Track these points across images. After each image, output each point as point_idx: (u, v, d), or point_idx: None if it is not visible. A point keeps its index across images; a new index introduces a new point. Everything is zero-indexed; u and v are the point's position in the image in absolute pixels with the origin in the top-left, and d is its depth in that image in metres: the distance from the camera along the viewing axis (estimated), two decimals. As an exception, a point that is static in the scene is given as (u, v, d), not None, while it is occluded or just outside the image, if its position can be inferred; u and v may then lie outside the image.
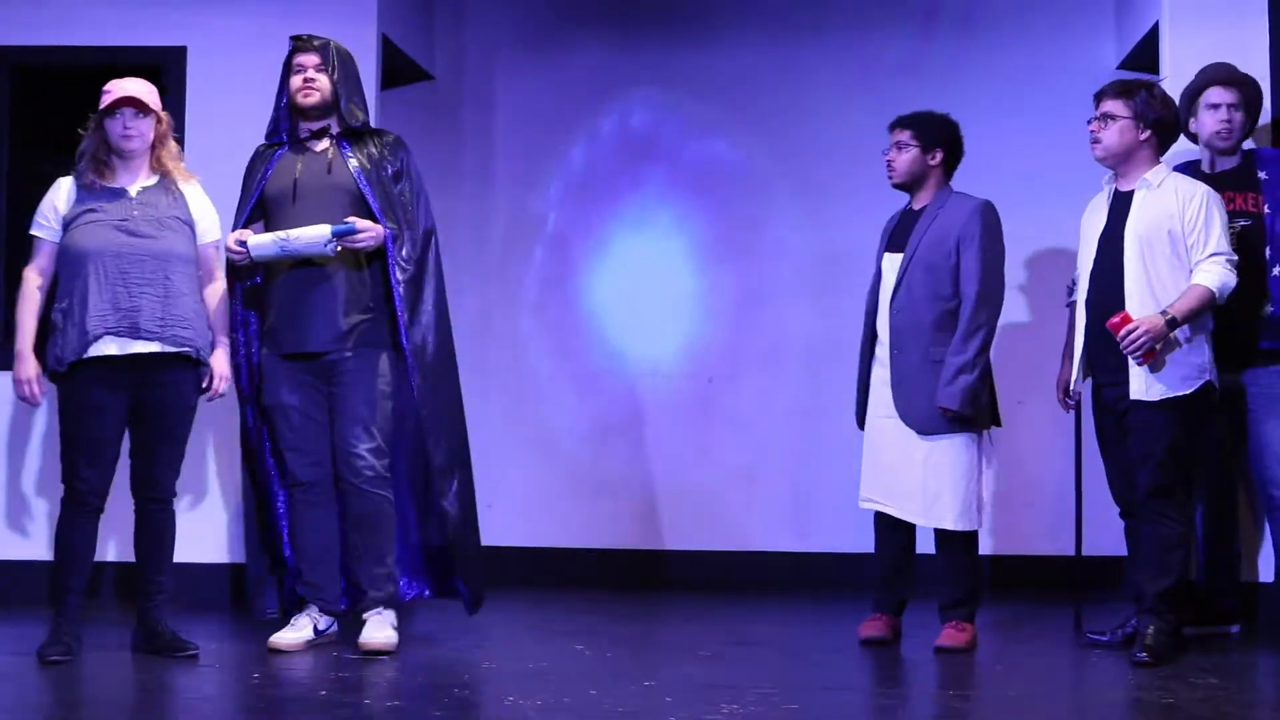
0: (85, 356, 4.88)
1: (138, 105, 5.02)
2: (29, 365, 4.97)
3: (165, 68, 6.44)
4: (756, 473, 7.21)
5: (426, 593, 5.47)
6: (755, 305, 7.23)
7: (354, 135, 5.26)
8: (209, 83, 6.48)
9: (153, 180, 5.09)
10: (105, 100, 5.02)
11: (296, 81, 5.21)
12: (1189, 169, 5.51)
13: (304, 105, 5.19)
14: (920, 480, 5.28)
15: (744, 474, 7.22)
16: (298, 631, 5.15)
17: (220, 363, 5.13)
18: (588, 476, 7.28)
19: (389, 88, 7.07)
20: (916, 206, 5.44)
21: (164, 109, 5.16)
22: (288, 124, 5.28)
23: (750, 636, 5.67)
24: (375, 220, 5.11)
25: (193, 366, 5.07)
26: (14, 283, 6.17)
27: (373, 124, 5.54)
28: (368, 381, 5.11)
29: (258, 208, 5.25)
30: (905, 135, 5.42)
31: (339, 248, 5.01)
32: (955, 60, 7.21)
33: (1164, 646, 4.95)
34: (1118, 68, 6.95)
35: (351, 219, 5.05)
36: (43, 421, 6.26)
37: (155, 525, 5.11)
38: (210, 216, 5.20)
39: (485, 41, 7.50)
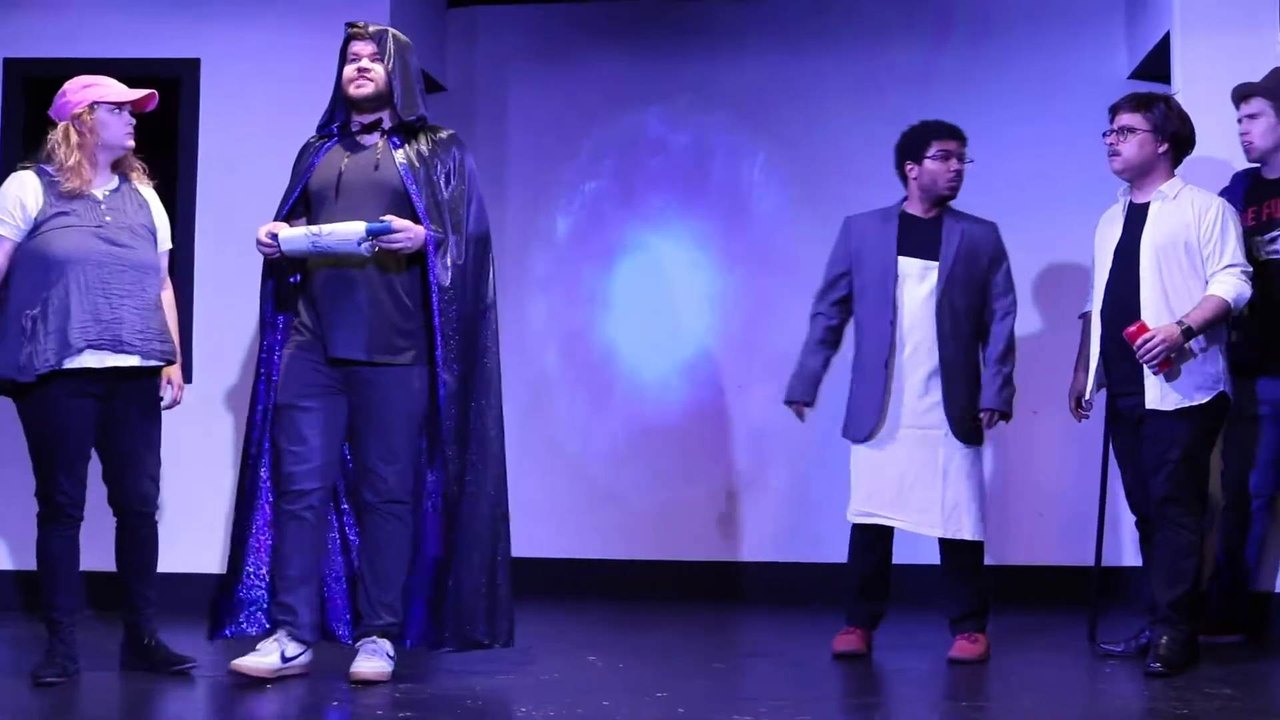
0: (62, 368, 4.69)
1: (145, 105, 4.91)
2: None
3: (179, 80, 6.47)
4: (770, 484, 7.21)
5: (423, 642, 4.96)
6: (769, 314, 7.23)
7: (408, 130, 4.91)
8: (222, 95, 6.51)
9: (114, 183, 4.90)
10: (113, 94, 4.87)
11: (350, 71, 4.86)
12: (1247, 177, 5.54)
13: (357, 97, 4.85)
14: (940, 491, 5.27)
15: (758, 485, 7.22)
16: (263, 657, 4.75)
17: (178, 374, 4.99)
18: (602, 487, 7.28)
19: (401, 99, 7.09)
20: (924, 215, 5.43)
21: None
22: (342, 116, 4.95)
23: (764, 647, 5.67)
24: (419, 221, 4.78)
25: (158, 376, 4.94)
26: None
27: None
28: (399, 398, 4.78)
29: (300, 202, 4.94)
30: (967, 150, 5.45)
31: (375, 248, 4.69)
32: (967, 71, 7.21)
33: (1178, 656, 4.93)
34: (1129, 78, 6.95)
35: (389, 218, 4.70)
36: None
37: (143, 540, 4.95)
38: (166, 225, 5.05)
39: (497, 54, 7.52)
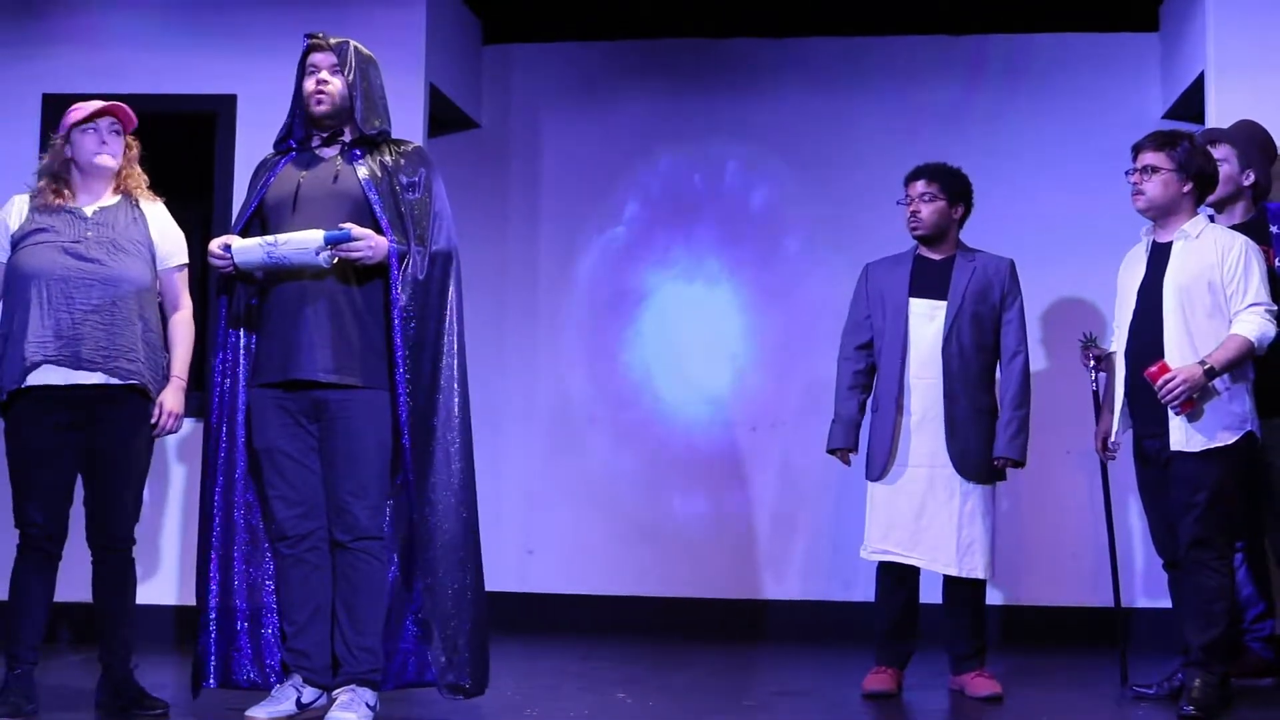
0: (24, 385, 4.58)
1: (118, 116, 4.81)
2: None
3: (216, 115, 6.54)
4: (800, 521, 7.19)
5: (409, 676, 4.70)
6: (799, 353, 7.22)
7: (369, 143, 4.69)
8: (259, 129, 6.51)
9: (112, 200, 4.80)
10: (79, 114, 4.78)
11: (309, 85, 4.65)
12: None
13: (316, 114, 4.64)
14: (954, 529, 5.28)
15: (788, 522, 7.21)
16: (278, 705, 4.50)
17: (171, 398, 4.75)
18: (631, 523, 7.27)
19: (436, 135, 7.14)
20: (936, 257, 5.47)
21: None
22: (301, 131, 4.73)
23: (794, 686, 5.64)
24: (381, 233, 4.53)
25: (146, 402, 4.72)
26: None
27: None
28: (365, 425, 4.49)
29: (255, 217, 4.67)
30: (933, 188, 5.45)
31: (334, 258, 4.43)
32: (1000, 110, 7.22)
33: (1211, 699, 4.88)
34: (1163, 117, 6.93)
35: (348, 225, 4.44)
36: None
37: (118, 576, 4.75)
38: (174, 240, 4.88)
39: (531, 90, 7.57)
